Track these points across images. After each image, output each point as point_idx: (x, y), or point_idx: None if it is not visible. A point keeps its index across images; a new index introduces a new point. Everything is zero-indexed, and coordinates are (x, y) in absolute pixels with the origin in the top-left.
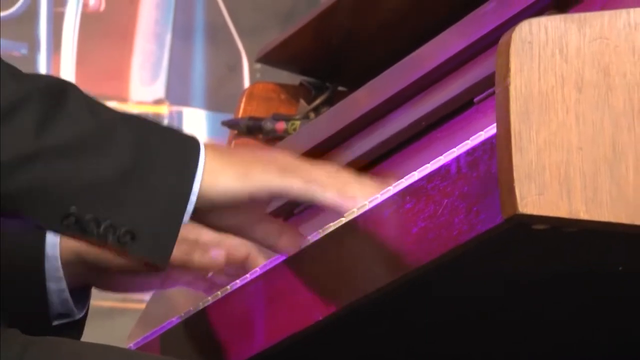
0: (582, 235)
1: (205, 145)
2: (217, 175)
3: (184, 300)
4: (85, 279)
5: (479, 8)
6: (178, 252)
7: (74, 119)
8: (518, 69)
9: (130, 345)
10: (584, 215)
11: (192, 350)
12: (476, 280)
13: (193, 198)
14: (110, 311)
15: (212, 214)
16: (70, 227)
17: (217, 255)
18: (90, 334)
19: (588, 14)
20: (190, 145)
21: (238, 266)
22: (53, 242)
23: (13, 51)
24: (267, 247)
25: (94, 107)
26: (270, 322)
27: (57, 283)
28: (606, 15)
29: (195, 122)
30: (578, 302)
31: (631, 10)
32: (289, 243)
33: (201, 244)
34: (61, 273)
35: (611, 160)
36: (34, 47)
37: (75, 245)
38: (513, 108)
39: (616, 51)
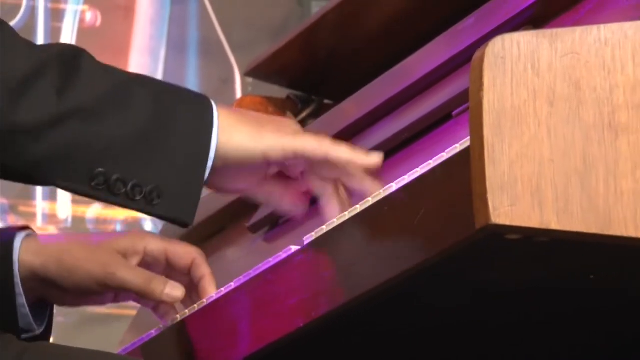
0: (554, 245)
1: (218, 105)
2: (231, 133)
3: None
4: (41, 295)
5: (457, 24)
6: (139, 280)
7: (91, 81)
8: (491, 84)
9: (120, 350)
10: (555, 226)
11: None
12: (453, 289)
13: (212, 154)
14: (106, 317)
15: (221, 175)
16: (99, 189)
17: (173, 289)
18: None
19: (560, 30)
20: (203, 103)
21: (184, 272)
22: (16, 258)
23: None
24: (272, 206)
25: (108, 69)
26: (249, 332)
27: (20, 299)
28: (577, 31)
29: None
30: (551, 310)
31: (602, 26)
32: (291, 203)
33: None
34: (20, 289)
35: (582, 172)
36: None
37: (31, 262)
38: (486, 121)
39: (587, 66)
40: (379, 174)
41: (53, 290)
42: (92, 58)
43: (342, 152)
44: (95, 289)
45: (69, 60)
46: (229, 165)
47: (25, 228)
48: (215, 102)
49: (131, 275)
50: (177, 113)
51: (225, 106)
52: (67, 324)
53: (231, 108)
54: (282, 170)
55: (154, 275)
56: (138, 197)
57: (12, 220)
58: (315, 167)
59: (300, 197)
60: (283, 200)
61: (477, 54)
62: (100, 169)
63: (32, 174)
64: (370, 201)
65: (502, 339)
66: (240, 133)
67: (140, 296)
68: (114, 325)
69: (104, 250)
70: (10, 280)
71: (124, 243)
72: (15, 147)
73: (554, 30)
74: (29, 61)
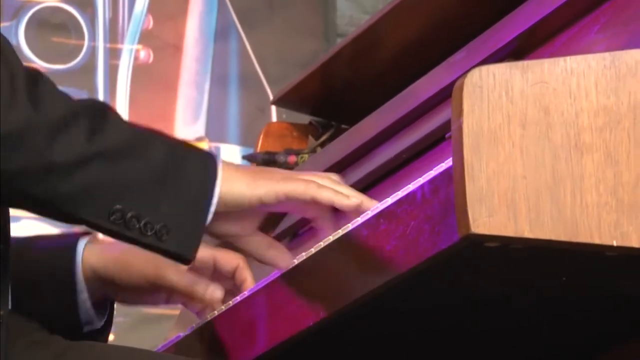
0: (528, 251)
1: (222, 161)
2: (232, 183)
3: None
4: (102, 293)
5: (450, 57)
6: (184, 280)
7: (115, 130)
8: (470, 110)
9: (160, 347)
10: (528, 234)
11: (202, 356)
12: (440, 292)
13: (214, 201)
14: (159, 317)
15: (220, 221)
16: (116, 223)
17: (215, 291)
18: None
19: (530, 62)
20: (209, 158)
21: (228, 276)
22: (79, 259)
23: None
24: (257, 257)
25: (130, 123)
26: (267, 329)
27: (82, 294)
28: (546, 63)
29: (231, 156)
30: (529, 309)
31: (567, 58)
32: (275, 256)
33: (203, 263)
34: (83, 285)
35: (551, 186)
36: (93, 94)
37: (93, 263)
38: (466, 143)
39: (555, 93)
40: (383, 190)
41: (112, 288)
42: (117, 113)
43: (325, 194)
44: (147, 288)
45: (98, 112)
46: (230, 210)
47: (87, 234)
48: (254, 129)
49: (178, 277)
50: (187, 164)
51: (228, 162)
52: (125, 323)
53: (233, 163)
54: (275, 210)
55: (197, 278)
56: (149, 233)
57: None
58: (304, 205)
59: (283, 252)
60: (267, 253)
61: (457, 84)
62: (118, 206)
63: (60, 207)
64: (369, 214)
65: (485, 337)
66: (240, 183)
67: (186, 296)
68: (165, 324)
69: (156, 255)
70: (71, 278)
71: None
72: (47, 182)
73: (525, 62)
74: (65, 109)
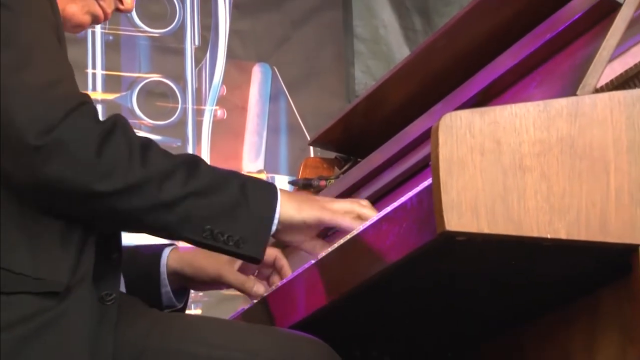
0: (487, 243)
1: (280, 190)
2: (286, 208)
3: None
4: (182, 283)
5: (431, 108)
6: (236, 279)
7: (203, 174)
8: (444, 143)
9: (231, 316)
10: (487, 230)
11: (260, 322)
12: (424, 275)
13: (275, 221)
14: (233, 297)
15: (282, 232)
16: (207, 238)
17: (258, 287)
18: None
19: (486, 108)
20: (272, 188)
21: (270, 265)
22: (164, 262)
23: (172, 144)
24: (309, 253)
25: (212, 167)
26: (300, 304)
27: (165, 288)
28: (497, 109)
29: (281, 182)
30: (488, 285)
31: (513, 105)
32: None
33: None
34: (166, 281)
35: (503, 196)
36: (184, 141)
37: (173, 265)
38: (441, 167)
39: (504, 130)
40: (385, 202)
41: (187, 282)
42: (204, 161)
43: (344, 223)
44: (210, 283)
45: (191, 163)
46: (286, 227)
47: (171, 244)
48: (297, 162)
49: (233, 277)
50: (257, 194)
51: (284, 190)
52: (210, 302)
53: (287, 191)
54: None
55: (247, 277)
56: (231, 243)
57: None
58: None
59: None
60: (313, 250)
61: (434, 125)
62: (208, 227)
63: (168, 231)
64: (375, 218)
65: (456, 307)
66: (292, 208)
67: (239, 290)
68: (238, 301)
69: (217, 258)
70: (158, 276)
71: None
72: (159, 215)
73: (483, 109)
74: (168, 164)
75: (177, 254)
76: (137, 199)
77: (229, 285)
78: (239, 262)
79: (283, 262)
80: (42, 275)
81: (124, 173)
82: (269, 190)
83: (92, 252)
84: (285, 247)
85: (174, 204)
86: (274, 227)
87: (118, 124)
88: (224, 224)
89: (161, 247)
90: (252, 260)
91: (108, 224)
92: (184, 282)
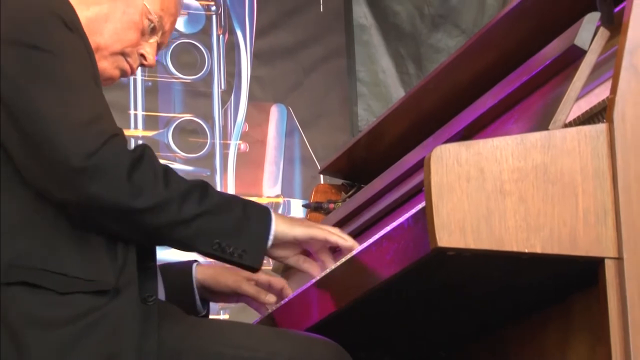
0: (474, 257)
1: (274, 212)
2: (279, 226)
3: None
4: (205, 294)
5: (424, 142)
6: (253, 290)
7: (214, 197)
8: (435, 172)
9: (254, 321)
10: (473, 246)
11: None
12: (419, 285)
13: (271, 237)
14: None
15: (275, 247)
16: (216, 250)
17: (271, 297)
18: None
19: (471, 141)
20: (266, 210)
21: (278, 292)
22: (195, 275)
23: (202, 174)
24: (298, 269)
25: (220, 192)
26: (310, 312)
27: (196, 297)
28: (481, 142)
29: (296, 205)
30: (475, 293)
31: (494, 139)
32: (308, 267)
33: (260, 283)
34: (196, 293)
35: (486, 217)
36: (212, 171)
37: (200, 279)
38: (433, 192)
39: (487, 160)
40: (385, 223)
41: (208, 293)
42: (213, 187)
43: (333, 238)
44: (229, 293)
45: (203, 188)
46: (279, 241)
47: (195, 260)
48: (309, 188)
49: (250, 289)
50: (255, 215)
51: (278, 213)
52: (237, 307)
53: (281, 214)
54: (305, 246)
55: (260, 289)
56: (235, 255)
57: None
58: (320, 243)
59: (312, 265)
60: (302, 266)
61: (426, 157)
62: (217, 241)
63: (185, 243)
64: (376, 236)
65: (451, 312)
66: (283, 226)
67: (253, 299)
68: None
69: (236, 274)
70: (192, 289)
71: (245, 272)
72: (179, 230)
73: (468, 142)
74: (185, 187)
75: (202, 268)
76: (163, 216)
77: (245, 296)
78: (254, 280)
79: (283, 282)
80: (92, 277)
81: (151, 193)
82: (265, 211)
83: (134, 259)
84: (286, 270)
85: (192, 220)
86: (269, 242)
87: (145, 153)
88: (230, 239)
89: (189, 263)
90: (251, 269)
91: (137, 237)
92: (206, 294)
